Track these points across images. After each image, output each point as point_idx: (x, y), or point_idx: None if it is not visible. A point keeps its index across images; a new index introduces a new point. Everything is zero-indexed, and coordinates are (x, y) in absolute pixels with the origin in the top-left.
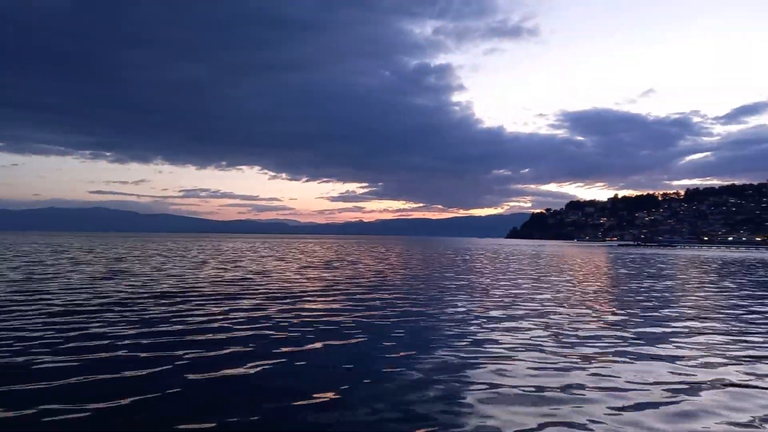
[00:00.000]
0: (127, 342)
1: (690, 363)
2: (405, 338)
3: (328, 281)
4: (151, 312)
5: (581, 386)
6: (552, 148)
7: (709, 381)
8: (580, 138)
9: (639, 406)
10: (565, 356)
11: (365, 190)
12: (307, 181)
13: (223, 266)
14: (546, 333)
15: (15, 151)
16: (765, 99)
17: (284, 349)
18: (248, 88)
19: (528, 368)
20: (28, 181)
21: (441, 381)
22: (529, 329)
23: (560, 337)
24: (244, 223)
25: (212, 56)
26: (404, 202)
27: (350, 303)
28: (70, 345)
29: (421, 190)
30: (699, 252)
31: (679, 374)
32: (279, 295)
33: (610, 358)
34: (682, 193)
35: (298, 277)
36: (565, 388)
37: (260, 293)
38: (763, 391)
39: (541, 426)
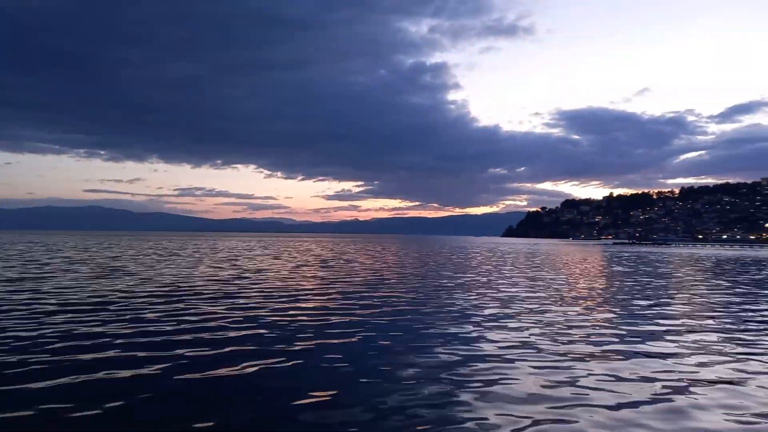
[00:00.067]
0: (124, 341)
1: (685, 360)
2: (402, 337)
3: (323, 280)
4: (147, 311)
5: (578, 384)
6: (547, 146)
7: (703, 378)
8: (575, 137)
9: (635, 404)
10: (561, 354)
11: (361, 188)
12: (302, 179)
13: (218, 265)
14: (542, 331)
15: (10, 150)
16: (759, 98)
17: (281, 349)
18: (244, 87)
19: (524, 367)
20: (23, 179)
21: (438, 380)
22: (525, 328)
23: (556, 335)
24: (240, 221)
25: (208, 55)
26: (400, 200)
27: (346, 302)
28: (67, 345)
29: (417, 188)
30: (693, 250)
31: (674, 371)
32: (275, 294)
33: (607, 356)
34: (677, 191)
35: (294, 275)
36: (562, 386)
37: (257, 292)
38: (757, 388)
39: (538, 423)
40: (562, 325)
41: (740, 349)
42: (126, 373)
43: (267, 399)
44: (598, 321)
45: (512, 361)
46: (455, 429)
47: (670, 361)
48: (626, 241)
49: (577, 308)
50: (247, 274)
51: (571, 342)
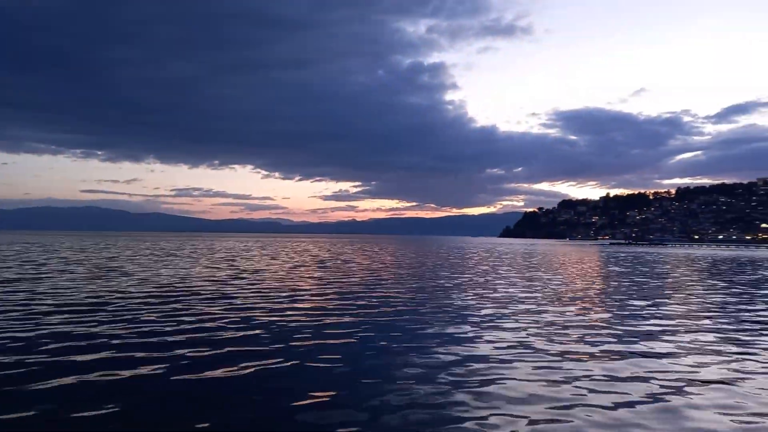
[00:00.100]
0: (122, 342)
1: (681, 360)
2: (400, 337)
3: (321, 280)
4: (144, 312)
5: (575, 384)
6: (544, 147)
7: (699, 378)
8: (572, 137)
9: (632, 404)
10: (558, 354)
11: (358, 189)
12: (300, 180)
13: (216, 265)
14: (539, 331)
15: (6, 150)
16: (755, 99)
17: (280, 349)
18: (242, 87)
19: (522, 367)
20: (19, 180)
21: (437, 380)
22: (522, 328)
23: (553, 335)
24: (237, 222)
25: (205, 55)
26: (397, 201)
27: (344, 302)
28: (65, 345)
29: (415, 189)
30: (690, 251)
31: (671, 371)
32: (273, 294)
33: (604, 356)
34: (673, 192)
35: (291, 276)
36: (559, 386)
37: (254, 293)
38: (753, 388)
39: (536, 423)
40: (559, 325)
41: (736, 349)
42: (125, 374)
43: (266, 399)
44: (596, 321)
45: (510, 361)
46: (454, 429)
47: (666, 360)
48: (623, 241)
49: (574, 308)
50: (244, 275)
51: (568, 342)
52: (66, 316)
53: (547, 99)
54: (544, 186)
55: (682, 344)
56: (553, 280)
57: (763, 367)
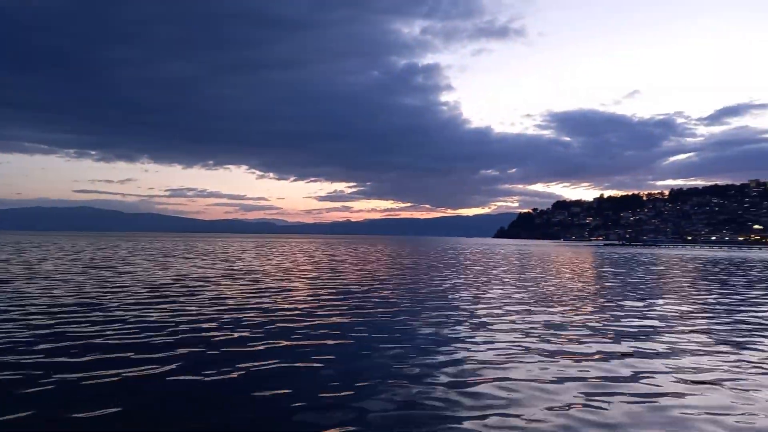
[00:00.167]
0: (119, 342)
1: (676, 361)
2: (393, 338)
3: (315, 281)
4: (139, 312)
5: (568, 385)
6: (539, 148)
7: (694, 379)
8: (566, 138)
9: (628, 404)
10: (552, 354)
11: (353, 189)
12: (294, 180)
13: (210, 265)
14: (533, 332)
15: None
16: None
17: (276, 350)
18: (236, 87)
19: (515, 367)
20: (12, 179)
21: (429, 381)
22: (516, 329)
23: (548, 336)
24: (231, 222)
25: (201, 55)
26: (392, 201)
27: (338, 303)
28: (59, 345)
29: (409, 189)
30: (683, 251)
31: (665, 372)
32: (267, 294)
33: (599, 356)
34: (666, 193)
35: (285, 276)
36: (553, 386)
37: (248, 292)
38: (746, 388)
39: (531, 422)
40: (554, 325)
41: (729, 349)
42: (124, 374)
43: (265, 399)
44: (590, 321)
45: (503, 362)
46: (449, 429)
47: (660, 361)
48: (617, 242)
49: (568, 309)
50: (238, 275)
51: (562, 342)
52: (63, 316)
53: (541, 100)
54: (539, 187)
55: (675, 345)
56: (548, 280)
57: (755, 367)
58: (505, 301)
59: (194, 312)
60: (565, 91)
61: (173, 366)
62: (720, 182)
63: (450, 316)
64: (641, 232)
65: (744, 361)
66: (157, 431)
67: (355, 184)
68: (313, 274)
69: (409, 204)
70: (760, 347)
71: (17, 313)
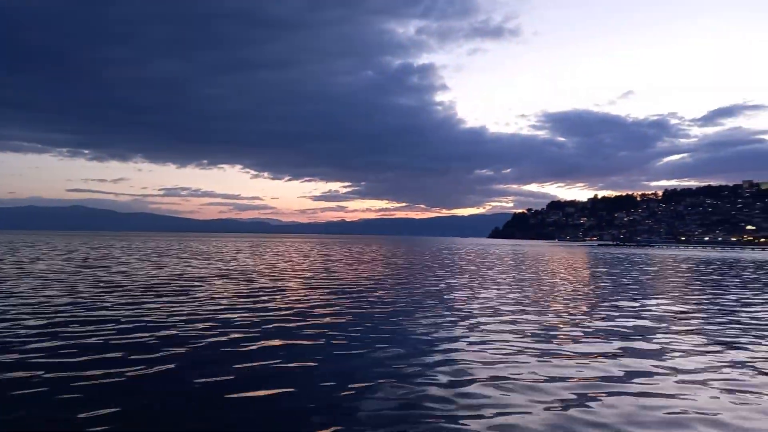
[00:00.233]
0: (117, 343)
1: (670, 362)
2: (386, 338)
3: (308, 281)
4: (136, 313)
5: (567, 385)
6: (533, 148)
7: (690, 379)
8: (561, 139)
9: (624, 404)
10: (548, 355)
11: (348, 189)
12: (289, 180)
13: (205, 265)
14: (527, 332)
15: None
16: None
17: (270, 350)
18: (231, 87)
19: (509, 367)
20: (4, 179)
21: (422, 381)
22: (509, 330)
23: (542, 335)
24: (226, 222)
25: (194, 54)
26: (387, 201)
27: (333, 303)
28: (57, 345)
29: (404, 189)
30: (676, 252)
31: (658, 373)
32: (262, 294)
33: (594, 356)
34: (660, 193)
35: (279, 276)
36: (549, 385)
37: (244, 293)
38: (740, 389)
39: (526, 422)
40: (548, 326)
41: (720, 348)
42: (123, 374)
43: (262, 399)
44: (585, 322)
45: (497, 362)
46: (446, 429)
47: (654, 361)
48: (611, 242)
49: (562, 309)
50: (234, 275)
51: (557, 342)
52: (57, 316)
53: (535, 101)
54: (533, 187)
55: (668, 344)
56: (542, 280)
57: (747, 368)
58: (499, 301)
59: (190, 312)
60: (560, 92)
61: (171, 366)
62: (713, 183)
63: (444, 316)
64: (635, 233)
65: (737, 361)
66: (156, 431)
67: (349, 183)
68: (308, 274)
69: (404, 204)
70: (753, 347)
71: (12, 313)
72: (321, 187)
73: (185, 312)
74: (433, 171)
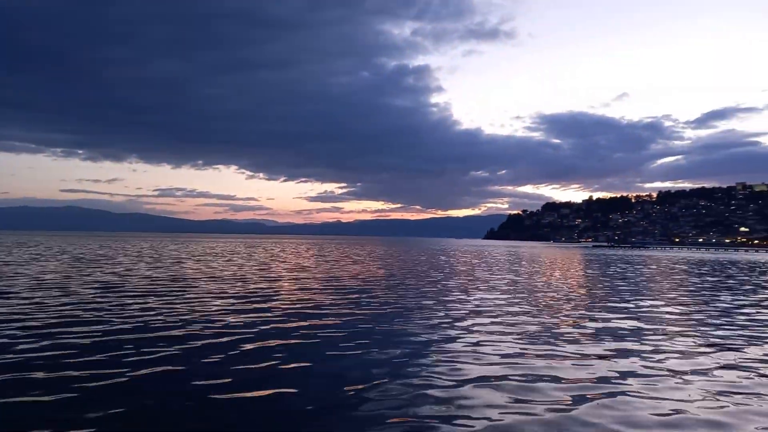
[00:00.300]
0: (114, 343)
1: (664, 362)
2: (381, 340)
3: (306, 282)
4: (129, 312)
5: (563, 387)
6: (528, 150)
7: (681, 378)
8: (556, 140)
9: (620, 404)
10: (542, 356)
11: (344, 190)
12: (284, 181)
13: (201, 266)
14: (524, 333)
15: None
16: (734, 104)
17: (268, 350)
18: (227, 87)
19: (506, 368)
20: None
21: (415, 381)
22: (505, 331)
23: (538, 337)
24: (221, 222)
25: (191, 54)
26: (383, 202)
27: (330, 304)
28: (54, 345)
29: (400, 190)
30: (671, 253)
31: (653, 375)
32: (258, 295)
33: (587, 356)
34: (655, 195)
35: (276, 276)
36: (543, 384)
37: (242, 294)
38: (733, 390)
39: (520, 422)
40: (542, 327)
41: (713, 350)
42: (121, 375)
43: (260, 400)
44: (579, 323)
45: (493, 362)
46: (442, 429)
47: (650, 362)
48: (605, 244)
49: (557, 311)
50: (229, 276)
51: (552, 343)
52: (55, 317)
53: (531, 102)
54: (528, 189)
55: (665, 346)
56: (537, 282)
57: (742, 369)
58: (494, 302)
59: (187, 312)
60: (555, 94)
61: (171, 366)
62: (707, 185)
63: (440, 317)
64: (630, 234)
65: (732, 362)
66: (156, 431)
67: (345, 184)
68: (304, 275)
69: (399, 205)
70: (747, 349)
71: (9, 314)
72: (317, 187)
73: (182, 312)
74: (429, 172)
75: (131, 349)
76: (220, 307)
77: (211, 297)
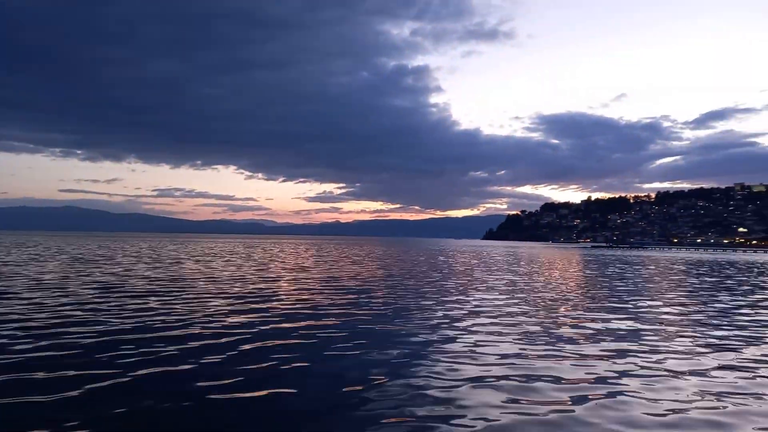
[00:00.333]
0: (109, 344)
1: (661, 363)
2: (384, 341)
3: (304, 282)
4: (126, 313)
5: (554, 385)
6: (527, 150)
7: (677, 379)
8: (554, 141)
9: (617, 404)
10: (539, 357)
11: (342, 190)
12: (283, 181)
13: (198, 266)
14: (522, 333)
15: None
16: (732, 105)
17: (266, 351)
18: (225, 87)
19: (502, 369)
20: None
21: (411, 382)
22: (503, 332)
23: (535, 338)
24: (220, 223)
25: (189, 54)
26: (382, 203)
27: (328, 304)
28: (53, 346)
29: (399, 191)
30: (669, 254)
31: (650, 375)
32: (257, 295)
33: (584, 357)
34: (653, 196)
35: (275, 276)
36: (535, 383)
37: (240, 294)
38: (727, 390)
39: (516, 422)
40: (540, 327)
41: (708, 350)
42: (121, 375)
43: (260, 400)
44: (576, 323)
45: (494, 364)
46: (439, 429)
47: (649, 362)
48: (604, 244)
49: (555, 311)
50: (228, 276)
51: (553, 344)
52: (56, 318)
53: (530, 103)
54: (527, 189)
55: (663, 346)
56: (536, 282)
57: (740, 369)
58: (493, 302)
59: (186, 312)
60: (554, 94)
61: (171, 366)
62: (705, 185)
63: (439, 317)
64: (628, 235)
65: (731, 363)
66: (156, 431)
67: (344, 185)
68: (302, 276)
69: (398, 205)
70: (746, 349)
71: (8, 314)
72: (315, 188)
73: (181, 313)
74: (428, 173)
75: (131, 349)
76: (219, 308)
77: (210, 297)
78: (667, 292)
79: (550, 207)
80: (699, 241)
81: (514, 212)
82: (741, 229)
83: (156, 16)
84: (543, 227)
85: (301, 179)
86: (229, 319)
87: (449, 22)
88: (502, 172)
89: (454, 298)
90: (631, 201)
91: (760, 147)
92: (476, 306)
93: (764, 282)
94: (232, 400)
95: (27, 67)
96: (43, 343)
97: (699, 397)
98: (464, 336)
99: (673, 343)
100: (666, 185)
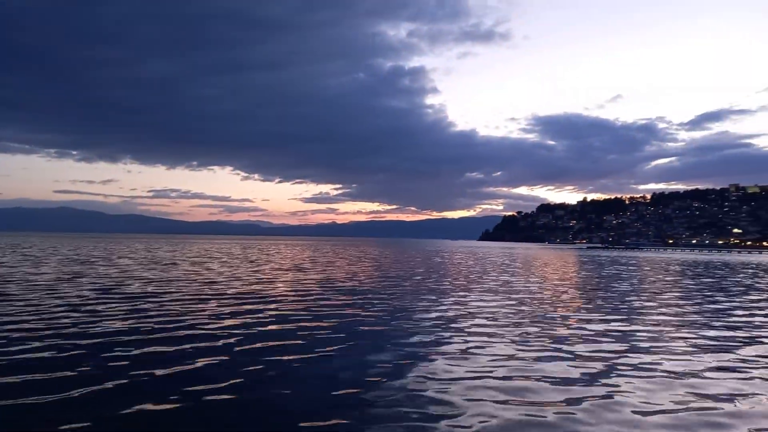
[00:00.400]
0: (108, 344)
1: (660, 364)
2: (382, 342)
3: (302, 283)
4: (126, 314)
5: (553, 386)
6: (523, 151)
7: (673, 379)
8: (550, 142)
9: (615, 404)
10: (537, 359)
11: (339, 191)
12: (279, 182)
13: (194, 268)
14: (519, 334)
15: None
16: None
17: (266, 351)
18: (221, 88)
19: (502, 369)
20: None
21: (408, 382)
22: (500, 333)
23: (532, 339)
24: (216, 224)
25: (184, 55)
26: (378, 203)
27: (327, 305)
28: (52, 346)
29: (395, 192)
30: (664, 255)
31: (648, 376)
32: (255, 296)
33: (586, 358)
34: (649, 197)
35: (271, 278)
36: (535, 383)
37: (238, 295)
38: (724, 390)
39: (515, 423)
40: (537, 328)
41: (712, 350)
42: (121, 375)
43: (260, 400)
44: (573, 324)
45: (491, 364)
46: (437, 428)
47: (647, 363)
48: (599, 245)
49: (551, 312)
50: (221, 278)
51: (550, 344)
52: (55, 320)
53: (525, 104)
54: (523, 190)
55: (660, 347)
56: (532, 283)
57: (737, 370)
58: (490, 304)
59: (184, 313)
60: (550, 95)
61: (170, 367)
62: (700, 187)
63: (436, 318)
64: (624, 236)
65: (728, 363)
66: (156, 431)
67: (340, 186)
68: (299, 277)
69: (394, 206)
70: (742, 350)
71: (7, 316)
72: (312, 189)
73: (178, 313)
74: (424, 174)
75: (129, 350)
76: (216, 309)
77: (207, 298)
78: (663, 293)
79: (546, 208)
80: (694, 242)
81: (510, 213)
82: (736, 230)
83: (151, 17)
84: (539, 228)
85: (298, 180)
86: (226, 321)
87: (445, 24)
88: (498, 173)
89: (450, 299)
90: (627, 202)
91: (755, 148)
92: (472, 307)
93: (759, 283)
94: (231, 400)
95: (22, 67)
96: (41, 343)
97: (695, 398)
98: (460, 336)
99: (668, 344)
100: (661, 186)
